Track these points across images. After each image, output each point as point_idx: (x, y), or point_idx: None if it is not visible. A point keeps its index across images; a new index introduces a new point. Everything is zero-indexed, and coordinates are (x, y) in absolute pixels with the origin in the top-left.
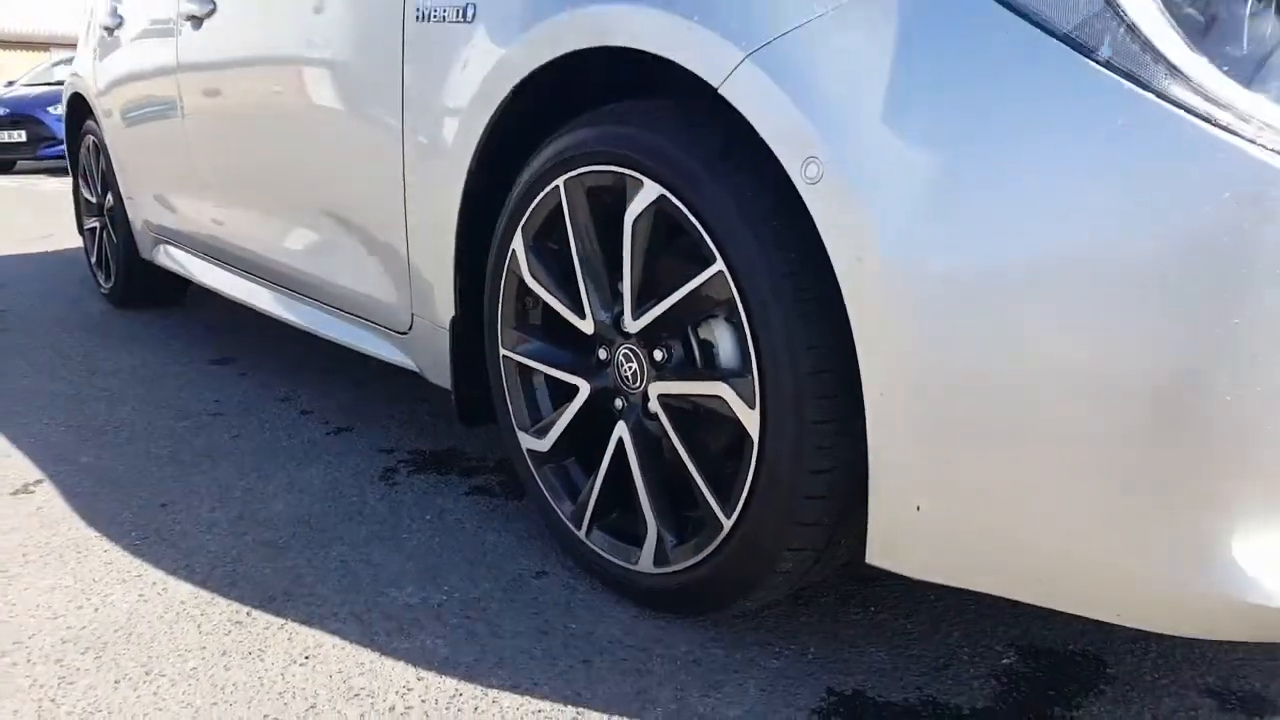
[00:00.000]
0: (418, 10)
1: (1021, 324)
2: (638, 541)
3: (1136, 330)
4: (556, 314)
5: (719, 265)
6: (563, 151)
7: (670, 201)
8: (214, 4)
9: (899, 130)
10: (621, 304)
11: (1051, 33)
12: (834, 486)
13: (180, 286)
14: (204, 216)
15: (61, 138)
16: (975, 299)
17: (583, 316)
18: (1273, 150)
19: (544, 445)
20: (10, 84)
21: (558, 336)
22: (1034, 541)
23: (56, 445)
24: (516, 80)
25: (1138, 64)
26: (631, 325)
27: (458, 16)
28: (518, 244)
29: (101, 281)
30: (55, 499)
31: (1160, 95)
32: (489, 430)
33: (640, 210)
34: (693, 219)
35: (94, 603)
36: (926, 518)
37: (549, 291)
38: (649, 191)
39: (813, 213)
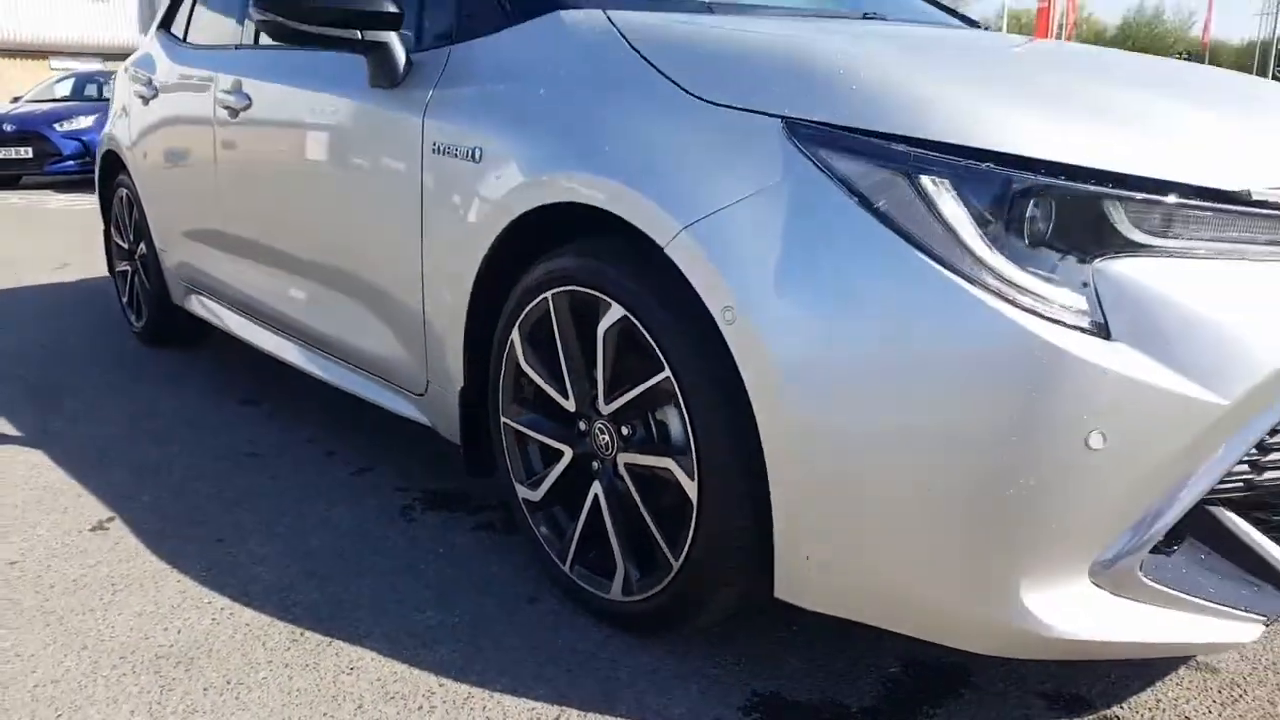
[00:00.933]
0: (434, 145)
1: (867, 432)
2: (610, 575)
3: (946, 438)
4: (546, 393)
5: (666, 372)
6: (550, 272)
7: (631, 320)
8: (249, 100)
9: (787, 291)
10: (597, 390)
11: (899, 232)
12: (753, 538)
13: (205, 329)
14: (239, 278)
15: (66, 153)
16: (836, 410)
17: (566, 398)
18: (1052, 320)
19: (536, 495)
20: (16, 100)
21: (547, 410)
22: (886, 583)
23: (119, 485)
24: (514, 216)
25: (952, 255)
26: (604, 408)
27: (468, 157)
28: (515, 337)
29: (133, 320)
30: (128, 535)
31: (961, 275)
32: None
33: (609, 325)
34: (647, 336)
35: (176, 625)
36: (813, 564)
37: (540, 376)
38: (615, 311)
39: (729, 343)
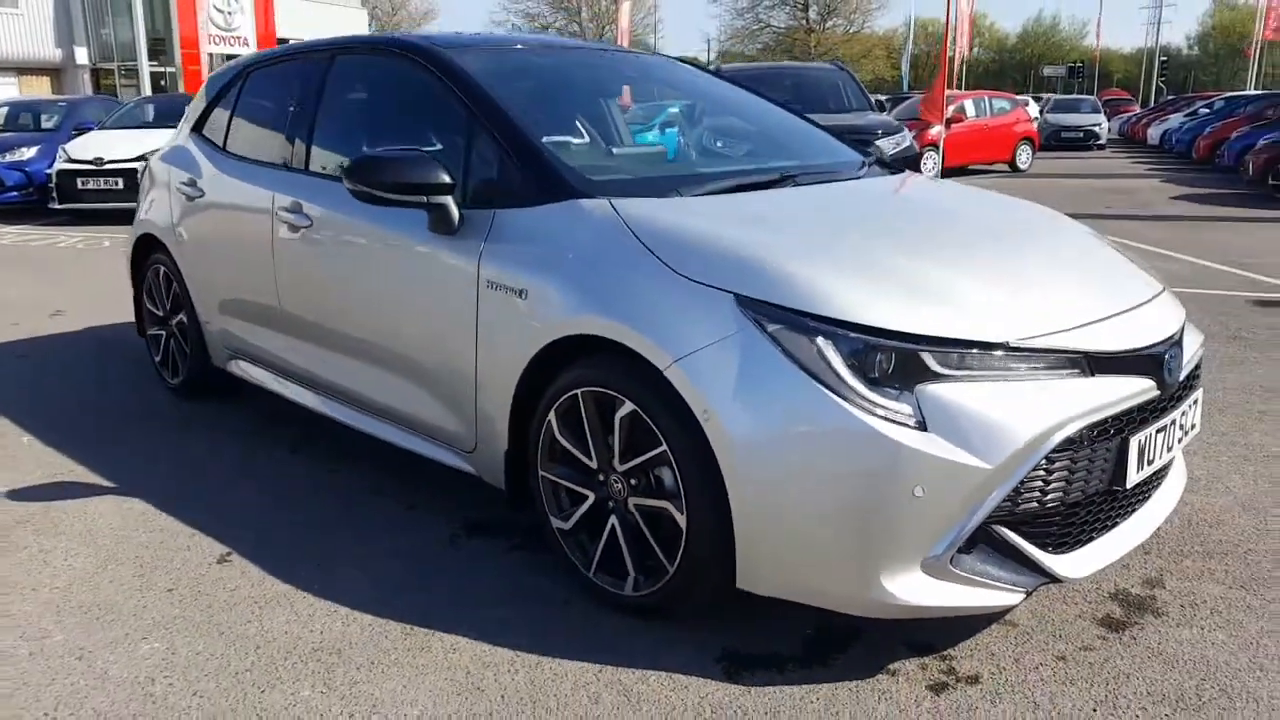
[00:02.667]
0: (488, 281)
1: (788, 483)
2: (623, 578)
3: (832, 488)
4: (574, 455)
5: (664, 446)
6: (578, 378)
7: (638, 412)
8: (310, 221)
9: (740, 401)
10: (613, 455)
11: (798, 365)
12: (721, 550)
13: (235, 387)
14: (295, 352)
15: (9, 184)
16: (769, 470)
17: (590, 459)
18: (884, 417)
19: (567, 525)
20: None
21: (574, 466)
22: (803, 575)
23: (219, 525)
24: (552, 339)
25: (835, 383)
26: (619, 467)
27: (517, 295)
28: (552, 418)
29: (167, 378)
30: (249, 565)
31: (840, 395)
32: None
33: (623, 414)
34: (650, 423)
35: (317, 628)
36: (759, 561)
37: (570, 444)
38: (628, 406)
39: (705, 431)
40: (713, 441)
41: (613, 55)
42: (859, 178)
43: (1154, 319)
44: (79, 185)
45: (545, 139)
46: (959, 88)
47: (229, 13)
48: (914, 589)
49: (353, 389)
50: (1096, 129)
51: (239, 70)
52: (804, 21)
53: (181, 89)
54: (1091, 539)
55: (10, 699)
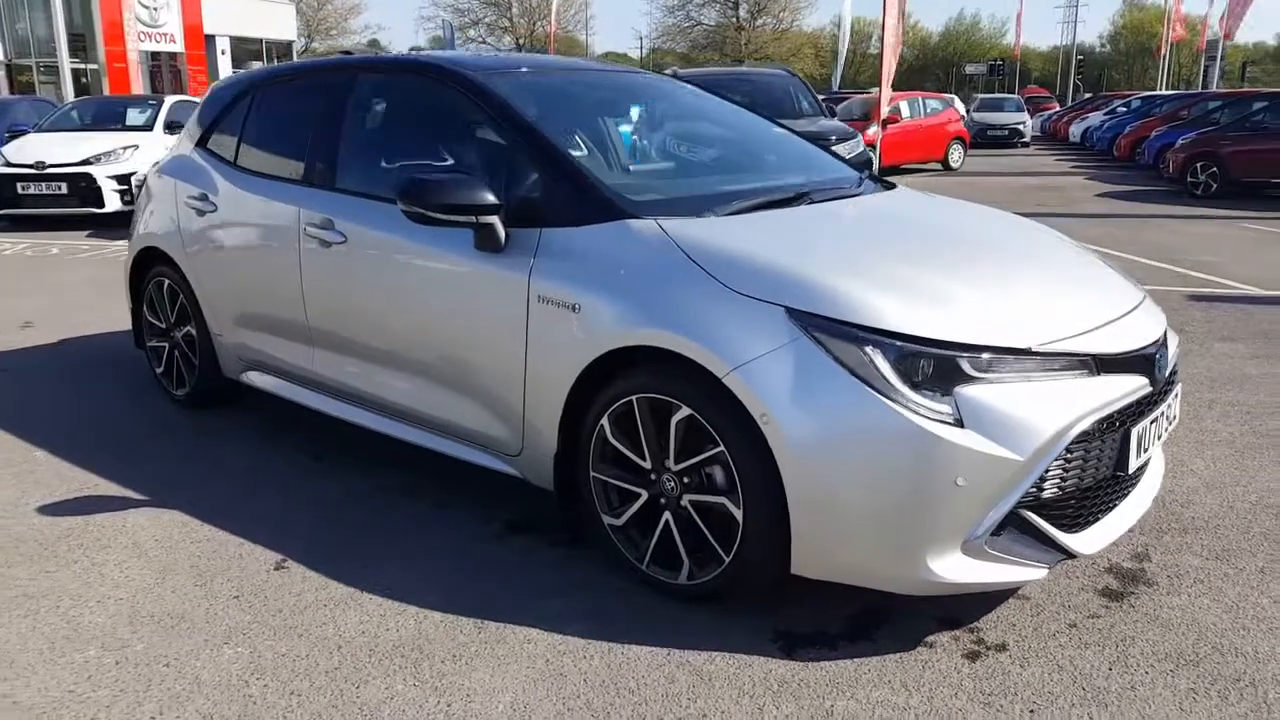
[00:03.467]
0: (539, 296)
1: (842, 476)
2: (676, 569)
3: (883, 479)
4: (626, 457)
5: (720, 446)
6: (633, 384)
7: (695, 416)
8: (344, 237)
9: (795, 404)
10: (668, 456)
11: (849, 371)
12: (778, 539)
13: (239, 396)
14: (323, 364)
15: None
16: (824, 465)
17: (644, 460)
18: (929, 416)
19: (619, 521)
20: None
21: (626, 467)
22: (855, 559)
23: (265, 533)
24: (605, 350)
25: (883, 386)
26: (674, 467)
27: (569, 309)
28: (605, 422)
29: (171, 389)
30: (306, 570)
31: (887, 397)
32: (551, 502)
33: (679, 418)
34: (708, 426)
35: (391, 626)
36: (814, 549)
37: (623, 446)
38: (684, 411)
39: (764, 432)
40: (770, 442)
41: (617, 75)
42: (863, 194)
43: (1144, 323)
44: (19, 190)
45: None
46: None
47: (154, 8)
48: (955, 568)
49: (387, 398)
50: (1021, 127)
51: (247, 85)
52: (734, 19)
53: (106, 88)
54: (1098, 518)
55: (112, 707)
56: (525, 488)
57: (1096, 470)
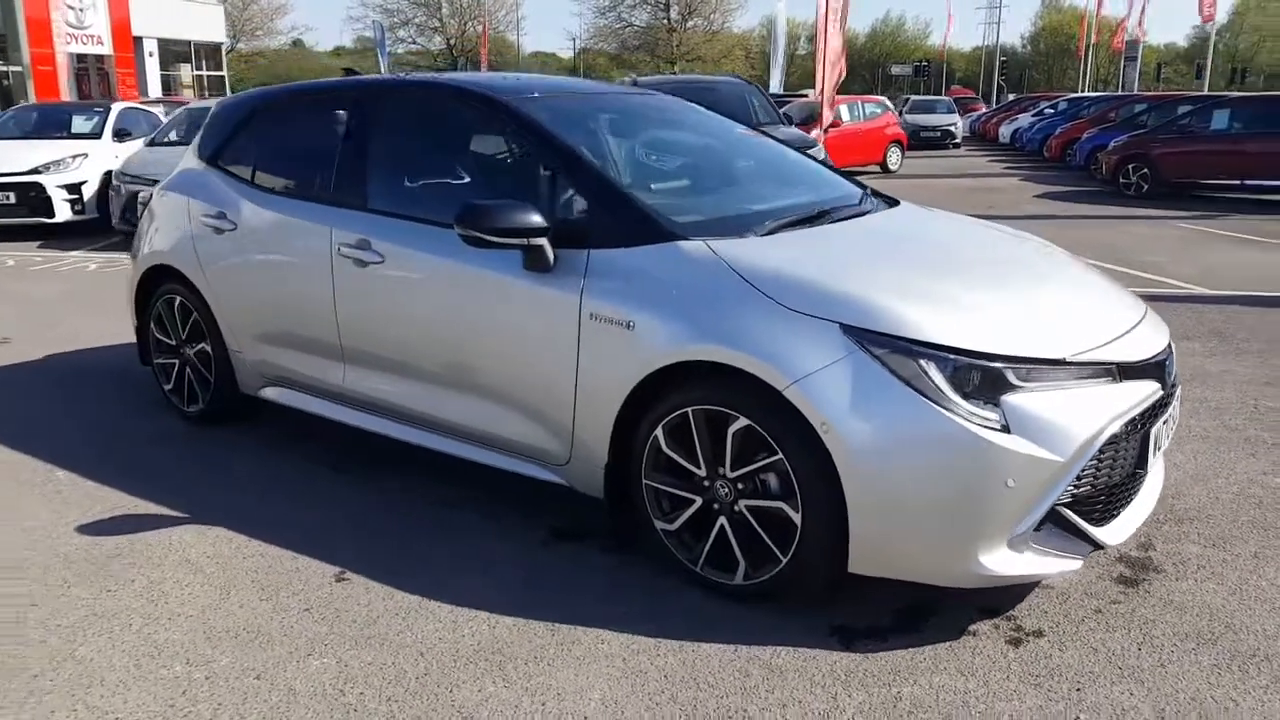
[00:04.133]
0: (591, 314)
1: (899, 479)
2: (732, 570)
3: (939, 482)
4: (680, 465)
5: (779, 454)
6: (689, 397)
7: (753, 427)
8: (382, 257)
9: (854, 413)
10: (723, 464)
11: (905, 383)
12: (835, 540)
13: (254, 412)
14: (354, 380)
15: None
16: (882, 469)
17: (699, 468)
18: (979, 423)
19: (672, 527)
20: None
21: (679, 474)
22: (910, 556)
23: (315, 546)
24: (659, 365)
25: (936, 396)
26: (730, 474)
27: (623, 326)
28: (659, 433)
29: (181, 405)
30: (368, 581)
31: (940, 405)
32: (595, 511)
33: (736, 429)
34: (766, 435)
35: (470, 632)
36: (872, 549)
37: (677, 455)
38: (741, 421)
39: (824, 440)
40: (831, 449)
41: (627, 97)
42: (875, 210)
43: (1153, 333)
44: None
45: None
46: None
47: (80, 9)
48: (1003, 562)
49: (427, 412)
50: (952, 129)
51: (260, 104)
52: (665, 21)
53: (31, 92)
54: (1120, 512)
55: None
56: (563, 497)
57: (1121, 468)
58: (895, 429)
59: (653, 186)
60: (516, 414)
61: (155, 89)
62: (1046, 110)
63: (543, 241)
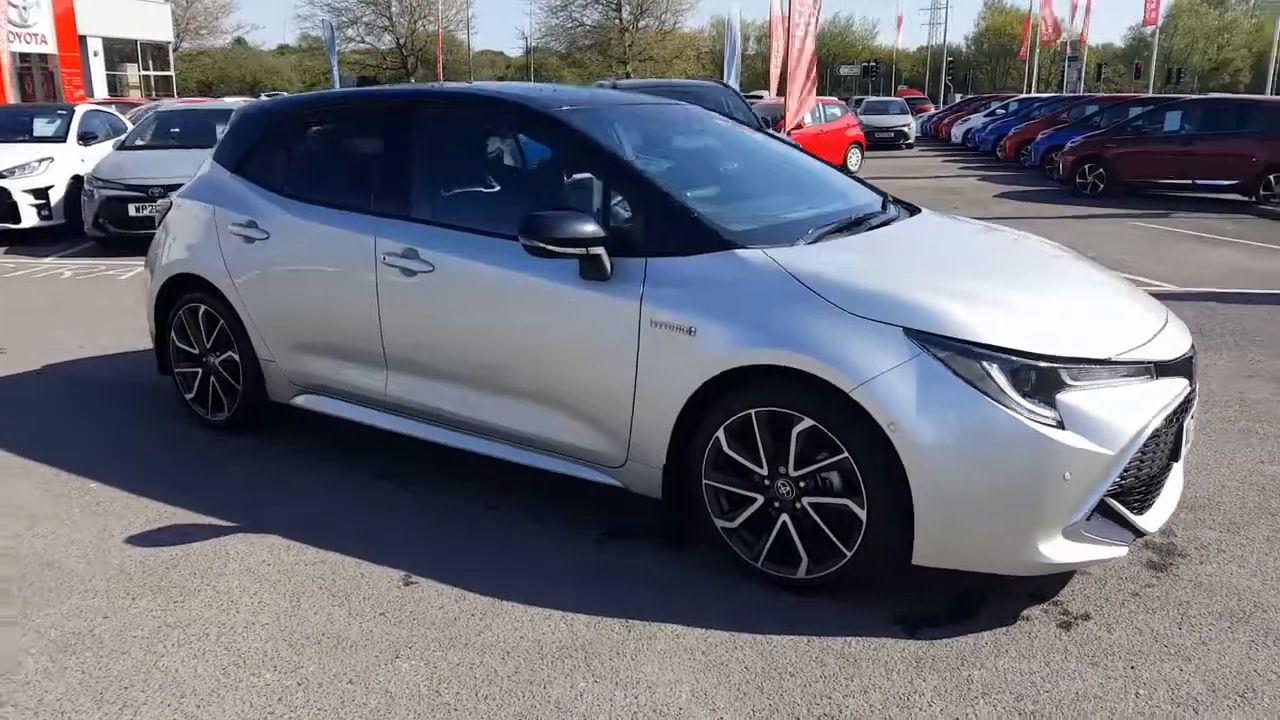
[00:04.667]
0: (651, 320)
1: (965, 473)
2: (795, 564)
3: (1002, 476)
4: (741, 464)
5: (844, 453)
6: (752, 399)
7: (817, 427)
8: (431, 266)
9: (921, 413)
10: (784, 463)
11: (968, 383)
12: (900, 533)
13: (276, 418)
14: (401, 388)
15: None
16: (948, 466)
17: (761, 467)
18: (1039, 420)
19: (733, 524)
20: None
21: (739, 474)
22: (974, 546)
23: (377, 550)
24: (723, 369)
25: (998, 395)
26: (793, 473)
27: (685, 332)
28: (721, 434)
29: (205, 413)
30: (435, 584)
31: (1001, 404)
32: (641, 510)
33: (800, 429)
34: (831, 435)
35: (547, 630)
36: (936, 541)
37: (739, 456)
38: (805, 422)
39: (891, 439)
40: (898, 447)
41: (660, 108)
42: (902, 218)
43: (1179, 333)
44: None
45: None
46: (776, 92)
47: (24, 7)
48: (1059, 550)
49: (475, 417)
50: (906, 129)
51: (289, 113)
52: (617, 20)
53: None
54: (1155, 501)
55: None
56: (608, 499)
57: (1158, 460)
58: (961, 427)
59: (689, 194)
60: (571, 418)
61: (101, 89)
62: (998, 111)
63: (600, 251)
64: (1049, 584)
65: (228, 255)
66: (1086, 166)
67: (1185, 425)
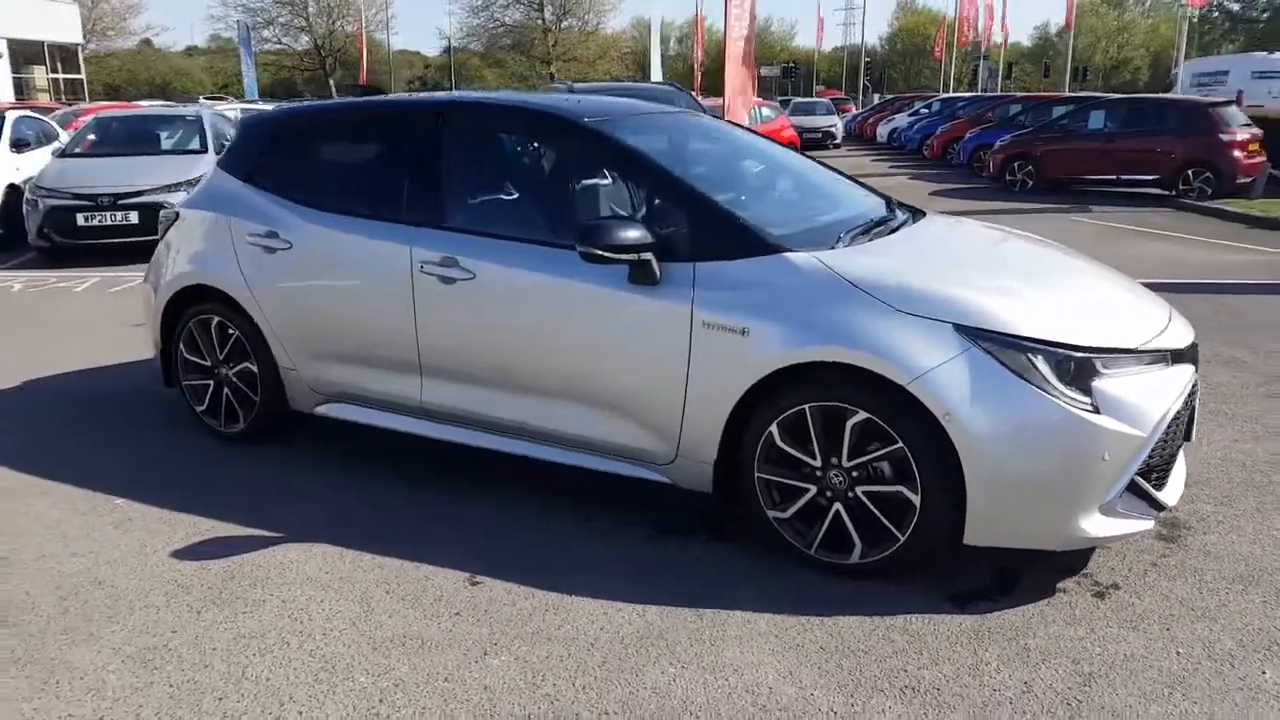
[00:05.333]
0: (704, 322)
1: (1014, 457)
2: (848, 550)
3: (1046, 459)
4: (794, 456)
5: (898, 443)
6: (805, 394)
7: (872, 419)
8: (472, 274)
9: (974, 403)
10: (837, 454)
11: (1015, 374)
12: (951, 516)
13: (294, 428)
14: (439, 394)
15: None
16: (999, 450)
17: (815, 459)
18: (1080, 407)
19: (785, 515)
20: None
21: (791, 466)
22: (1020, 525)
23: (430, 553)
24: (775, 368)
25: (1043, 384)
26: (846, 464)
27: (738, 332)
28: (774, 429)
29: (217, 425)
30: (499, 582)
31: (1046, 392)
32: (685, 506)
33: (855, 421)
34: (885, 426)
35: (617, 621)
36: (987, 522)
37: (792, 449)
38: (860, 415)
39: (946, 428)
40: (953, 436)
41: (677, 117)
42: (915, 220)
43: (1183, 324)
44: None
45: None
46: (701, 92)
47: None
48: (1097, 525)
49: (519, 420)
50: (833, 129)
51: (301, 123)
52: (540, 21)
53: None
54: (1170, 477)
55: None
56: (651, 499)
57: (1177, 440)
58: (1010, 415)
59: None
60: (620, 418)
61: (7, 93)
62: (922, 110)
63: (650, 256)
64: (1076, 558)
65: (245, 266)
66: (1015, 164)
67: (1195, 407)
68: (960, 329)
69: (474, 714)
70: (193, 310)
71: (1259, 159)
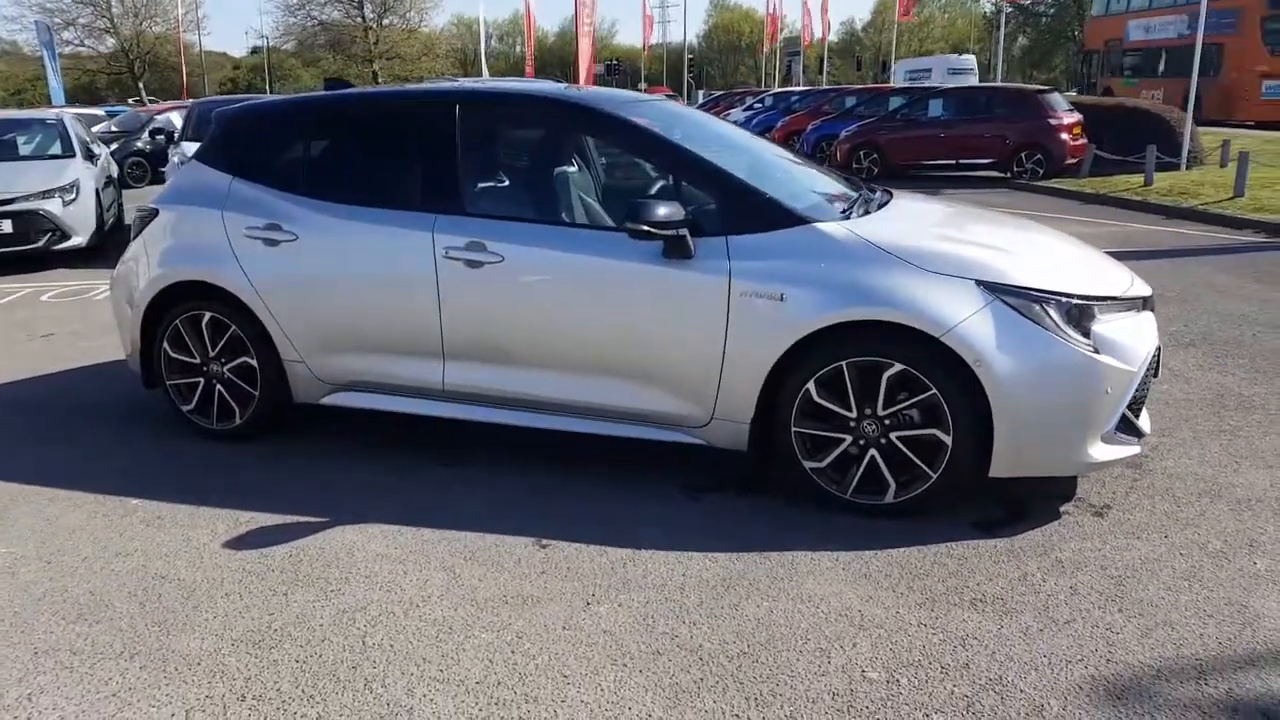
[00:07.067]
0: (742, 292)
1: (1034, 393)
2: (882, 492)
3: (1059, 392)
4: (829, 409)
5: (931, 390)
6: (841, 352)
7: (908, 370)
8: (501, 257)
9: (999, 348)
10: (872, 405)
11: (1032, 321)
12: (978, 453)
13: (288, 423)
14: (460, 376)
15: None
16: (1022, 388)
17: (850, 411)
18: (1086, 348)
19: (822, 465)
20: None
21: (826, 418)
22: (1038, 455)
23: (487, 523)
24: (812, 330)
25: (1055, 329)
26: (881, 413)
27: (775, 298)
28: (810, 385)
29: (208, 423)
30: (569, 544)
31: (1059, 335)
32: (711, 465)
33: (891, 373)
34: (921, 376)
35: (692, 569)
36: (1010, 455)
37: (828, 403)
38: (895, 367)
39: (976, 373)
40: (982, 379)
41: (663, 105)
42: (894, 198)
43: (1141, 280)
44: None
45: None
46: None
47: None
48: (1101, 451)
49: (551, 396)
50: None
51: (295, 114)
52: (360, 19)
53: None
54: (1142, 409)
55: (574, 666)
56: (675, 462)
57: (1152, 375)
58: (1031, 358)
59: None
60: (654, 387)
61: None
62: (755, 105)
63: (685, 232)
64: (1067, 486)
65: (244, 260)
66: (861, 153)
67: (1160, 347)
68: (982, 284)
69: (605, 654)
70: (180, 307)
71: (1083, 141)
